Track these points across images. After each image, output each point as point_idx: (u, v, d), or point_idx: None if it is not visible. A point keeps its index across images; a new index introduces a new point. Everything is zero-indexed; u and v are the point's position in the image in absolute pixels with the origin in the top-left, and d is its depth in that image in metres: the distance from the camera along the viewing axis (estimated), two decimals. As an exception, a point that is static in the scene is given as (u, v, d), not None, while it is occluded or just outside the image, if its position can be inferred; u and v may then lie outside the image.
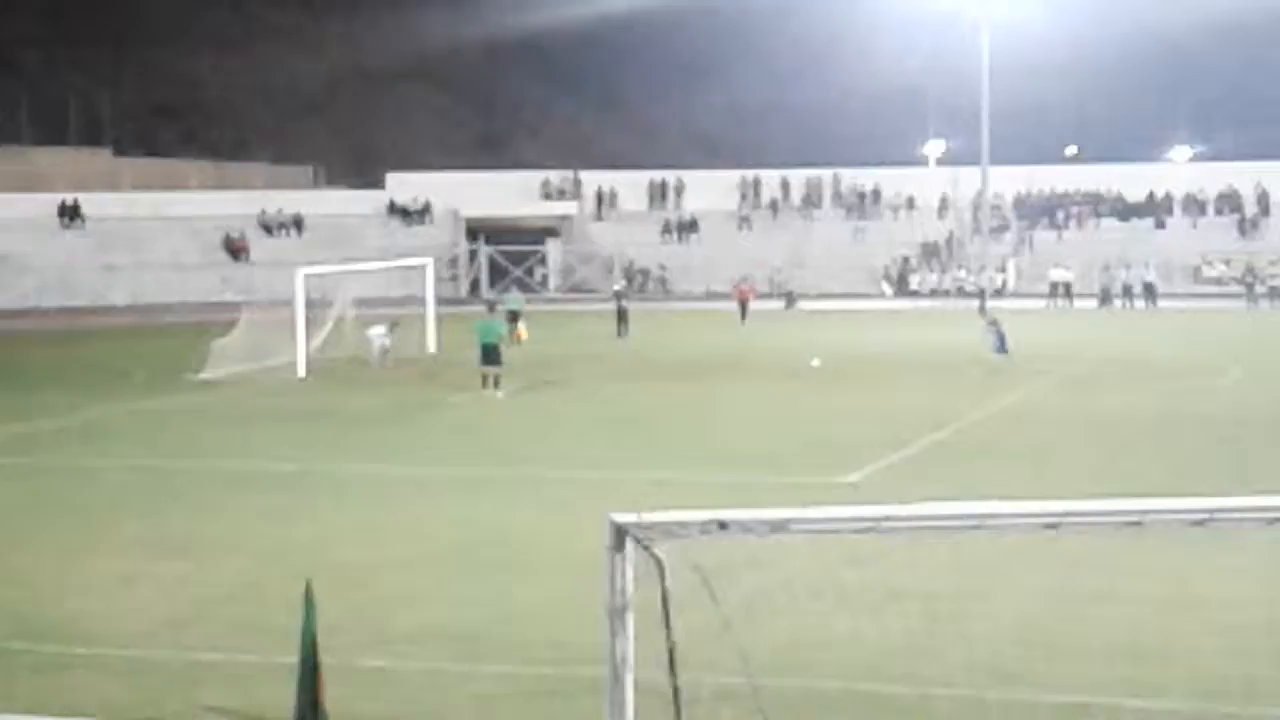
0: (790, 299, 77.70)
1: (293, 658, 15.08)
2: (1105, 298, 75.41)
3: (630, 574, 8.23)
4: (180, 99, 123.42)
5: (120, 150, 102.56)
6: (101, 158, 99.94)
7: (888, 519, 8.06)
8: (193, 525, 24.69)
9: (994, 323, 48.61)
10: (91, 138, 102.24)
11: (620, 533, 8.12)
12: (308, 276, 49.96)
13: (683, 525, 8.15)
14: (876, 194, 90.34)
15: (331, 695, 15.09)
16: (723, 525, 7.97)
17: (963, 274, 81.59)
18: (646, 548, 8.00)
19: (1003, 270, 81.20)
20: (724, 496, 25.37)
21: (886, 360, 49.50)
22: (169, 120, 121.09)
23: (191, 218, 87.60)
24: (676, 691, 8.41)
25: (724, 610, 14.37)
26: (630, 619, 8.28)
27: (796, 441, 32.76)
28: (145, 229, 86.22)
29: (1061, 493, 23.41)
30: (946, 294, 79.69)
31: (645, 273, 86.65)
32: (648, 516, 8.12)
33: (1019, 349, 47.53)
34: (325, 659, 15.21)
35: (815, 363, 46.98)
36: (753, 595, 17.58)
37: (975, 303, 71.80)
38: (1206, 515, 7.97)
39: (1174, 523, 8.22)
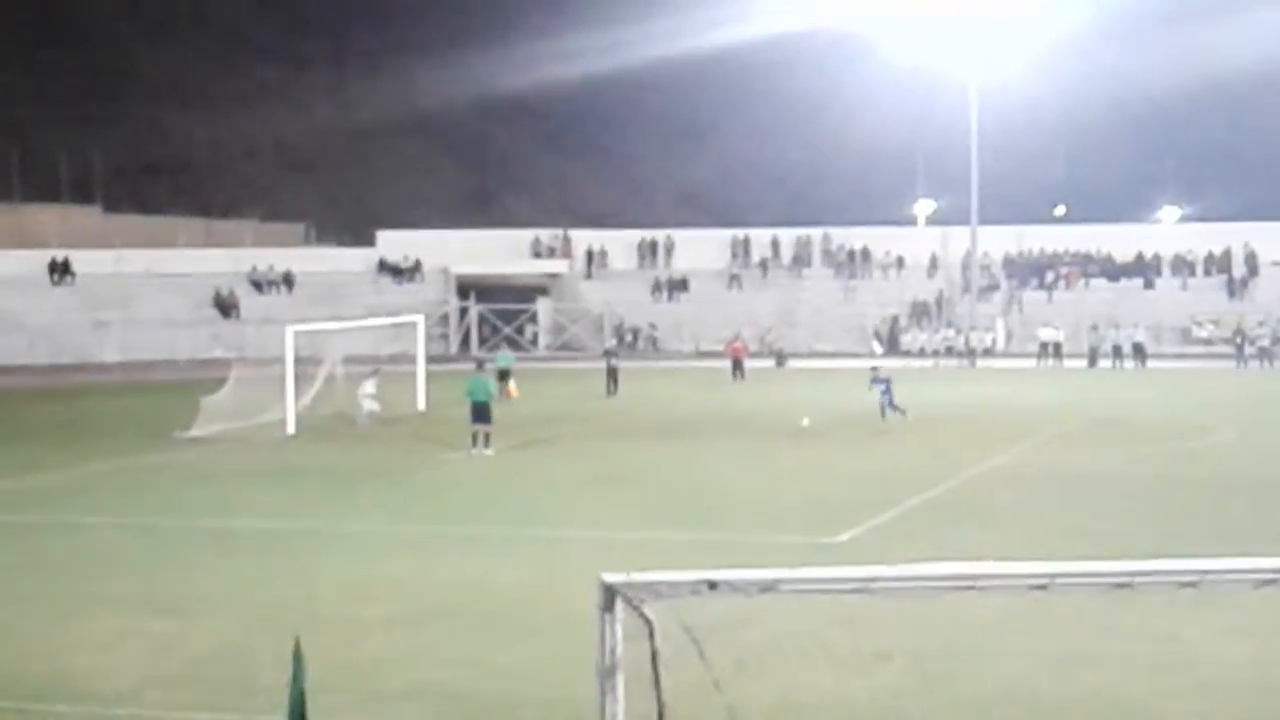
0: (780, 358, 77.78)
1: (281, 717, 15.06)
2: (1094, 358, 75.57)
3: (620, 634, 8.22)
4: (171, 156, 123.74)
5: (111, 207, 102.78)
6: (92, 215, 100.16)
7: (876, 579, 8.07)
8: (181, 583, 24.62)
9: (880, 379, 48.87)
10: (82, 194, 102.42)
11: (610, 593, 8.12)
12: (298, 333, 49.94)
13: (673, 585, 8.16)
14: (866, 253, 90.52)
15: (320, 755, 15.06)
16: (712, 585, 7.98)
17: (951, 333, 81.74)
18: (636, 608, 8.00)
19: (991, 330, 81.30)
20: (714, 556, 25.30)
21: (876, 419, 49.46)
22: (160, 177, 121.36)
23: (182, 275, 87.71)
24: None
25: (714, 670, 14.36)
26: (620, 679, 8.27)
27: (787, 501, 32.74)
28: (136, 286, 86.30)
29: (1050, 553, 23.47)
30: (936, 353, 79.79)
31: (636, 331, 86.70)
32: (638, 576, 8.13)
33: (1007, 409, 47.54)
34: (314, 718, 15.18)
35: (805, 422, 46.98)
36: (743, 654, 17.57)
37: (964, 361, 72.01)
38: (1196, 577, 7.99)
39: (1163, 584, 8.23)
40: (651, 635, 8.03)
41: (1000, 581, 8.25)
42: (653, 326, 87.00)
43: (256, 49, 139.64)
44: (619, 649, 8.21)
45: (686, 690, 10.13)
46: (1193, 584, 7.96)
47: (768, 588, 8.06)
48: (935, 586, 8.43)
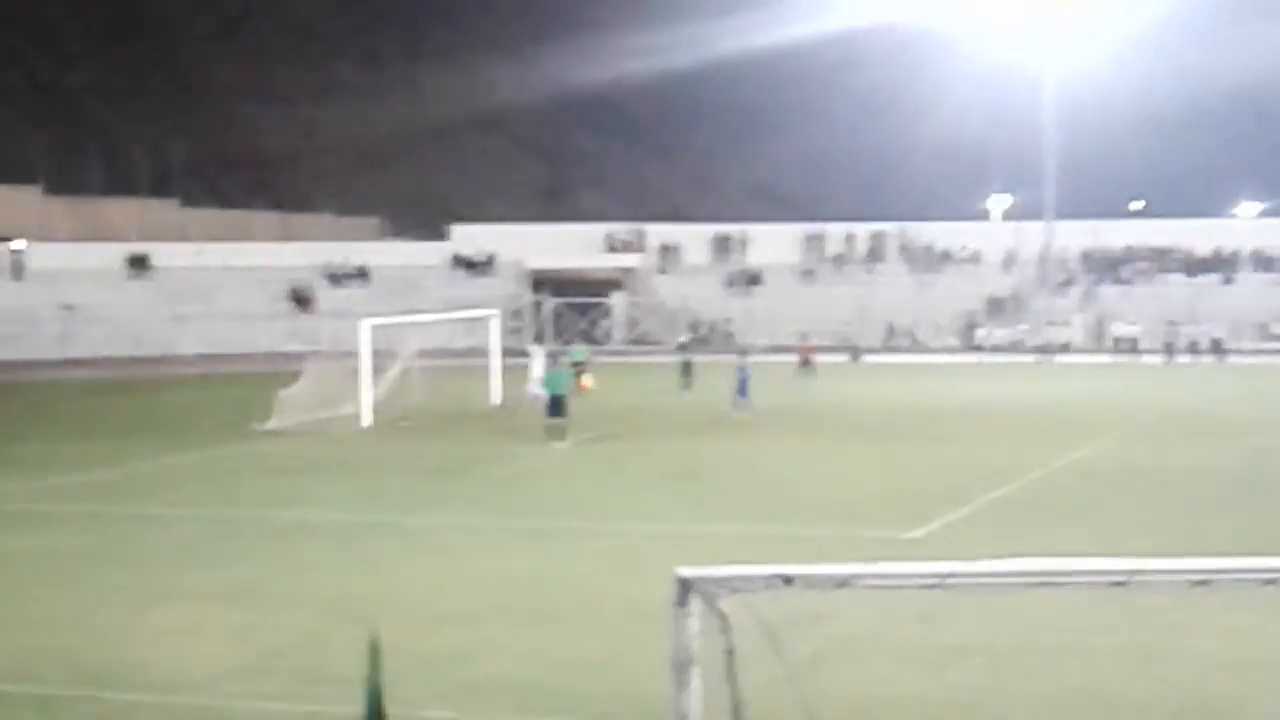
0: (855, 353, 77.56)
1: (358, 708, 15.15)
2: (1170, 353, 75.06)
3: (695, 628, 8.24)
4: (248, 150, 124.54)
5: (189, 201, 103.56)
6: (170, 208, 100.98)
7: (951, 576, 8.05)
8: (258, 574, 24.81)
9: (742, 367, 48.61)
10: (160, 188, 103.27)
11: (686, 587, 8.13)
12: (373, 327, 50.18)
13: (747, 580, 8.16)
14: (940, 249, 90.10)
15: (396, 747, 15.15)
16: (788, 580, 7.98)
17: (1025, 329, 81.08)
18: (711, 602, 8.01)
19: (1068, 325, 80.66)
20: (788, 551, 25.32)
21: (952, 414, 49.29)
22: (236, 171, 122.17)
23: (258, 268, 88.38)
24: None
25: (790, 666, 14.36)
26: (695, 673, 8.28)
27: (861, 496, 32.65)
28: (213, 279, 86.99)
29: (1124, 550, 23.33)
30: (1011, 348, 79.31)
31: (712, 325, 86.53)
32: (713, 571, 8.14)
33: (1084, 404, 47.17)
34: (391, 710, 15.26)
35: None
36: (820, 650, 17.63)
37: (1041, 357, 71.60)
38: (1275, 575, 7.94)
39: (1240, 582, 8.18)
40: (726, 630, 8.04)
41: (1076, 578, 8.21)
42: (728, 321, 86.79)
43: (332, 45, 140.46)
44: (694, 643, 8.22)
45: (762, 686, 10.14)
46: (1273, 581, 7.90)
47: (843, 583, 8.05)
48: (1009, 583, 8.40)
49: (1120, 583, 7.94)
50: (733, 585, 8.14)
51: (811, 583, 8.13)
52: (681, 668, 8.19)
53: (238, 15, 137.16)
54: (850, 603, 10.66)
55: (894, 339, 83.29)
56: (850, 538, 27.16)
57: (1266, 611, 17.44)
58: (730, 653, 8.12)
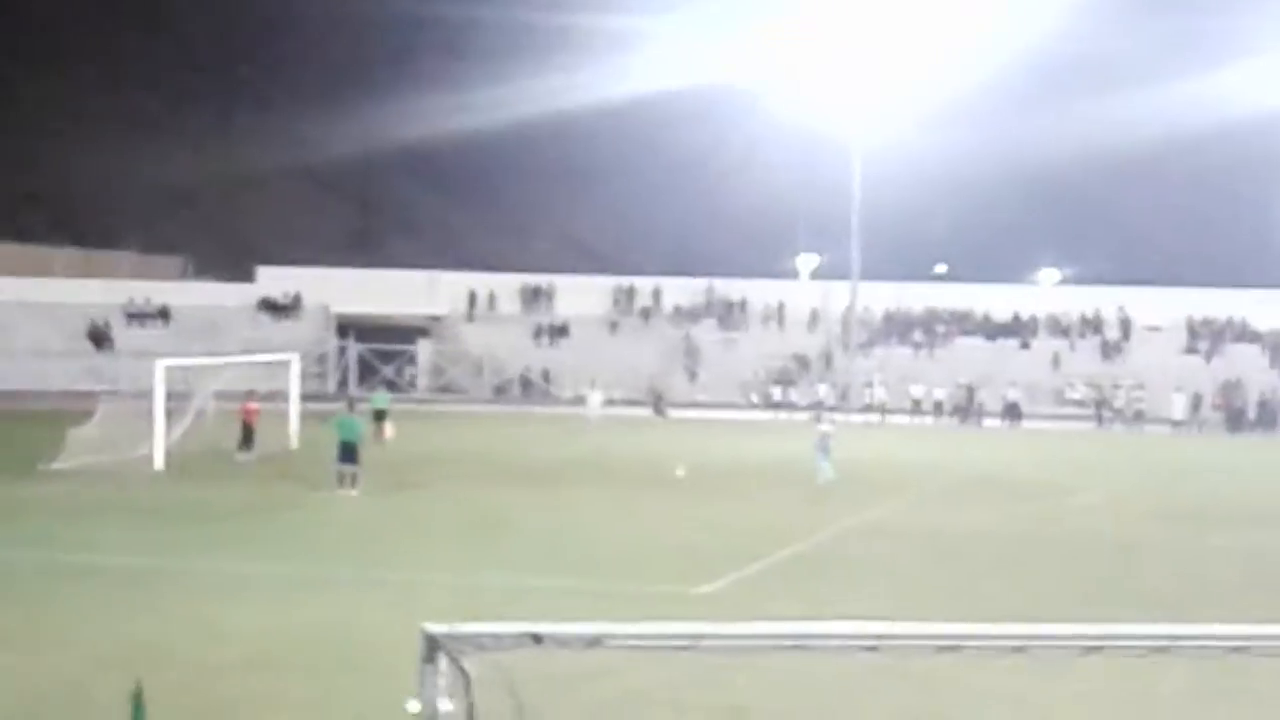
0: (659, 406, 77.86)
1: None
2: (965, 416, 76.44)
3: (442, 686, 8.05)
4: (48, 185, 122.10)
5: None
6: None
7: (702, 637, 7.95)
8: (29, 618, 24.14)
9: (825, 435, 48.23)
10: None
11: (433, 643, 7.94)
12: (171, 368, 49.36)
13: (496, 638, 7.99)
14: (744, 305, 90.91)
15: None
16: (537, 639, 7.82)
17: (824, 388, 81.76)
18: (455, 660, 7.83)
19: (870, 385, 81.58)
20: (574, 604, 25.21)
21: (751, 471, 49.58)
22: (36, 206, 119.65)
23: (56, 305, 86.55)
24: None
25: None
26: (442, 732, 8.10)
27: (655, 550, 32.66)
28: (8, 314, 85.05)
29: (907, 611, 23.49)
30: (814, 407, 80.00)
31: (525, 378, 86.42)
32: (460, 628, 7.96)
33: (880, 465, 47.70)
34: (154, 763, 14.88)
35: (680, 472, 46.93)
36: (597, 708, 17.46)
37: (838, 416, 72.30)
38: (1022, 643, 7.94)
39: (991, 649, 8.17)
40: (468, 689, 7.87)
41: (826, 641, 8.16)
42: (546, 374, 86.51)
43: (141, 80, 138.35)
44: (442, 702, 8.03)
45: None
46: (1020, 649, 7.90)
47: (593, 643, 7.91)
48: (761, 645, 8.33)
49: (871, 648, 7.90)
50: (479, 643, 7.97)
51: (561, 641, 7.98)
52: (428, 726, 8.00)
53: (43, 45, 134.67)
54: (632, 660, 10.53)
55: (698, 393, 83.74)
56: (640, 593, 27.13)
57: (1037, 676, 17.62)
58: (471, 712, 7.94)
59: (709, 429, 68.54)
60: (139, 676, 15.34)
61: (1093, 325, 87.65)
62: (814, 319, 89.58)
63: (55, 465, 45.32)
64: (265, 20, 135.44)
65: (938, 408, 77.78)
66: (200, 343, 76.77)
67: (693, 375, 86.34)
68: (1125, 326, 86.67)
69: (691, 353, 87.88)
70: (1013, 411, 75.89)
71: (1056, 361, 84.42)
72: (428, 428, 63.10)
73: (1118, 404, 77.97)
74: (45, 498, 39.68)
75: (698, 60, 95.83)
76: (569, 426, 67.45)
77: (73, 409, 52.85)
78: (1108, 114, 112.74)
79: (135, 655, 20.84)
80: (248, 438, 49.69)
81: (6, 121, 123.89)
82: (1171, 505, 43.05)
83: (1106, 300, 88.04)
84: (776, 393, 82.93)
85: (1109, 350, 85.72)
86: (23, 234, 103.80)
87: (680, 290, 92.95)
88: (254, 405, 50.61)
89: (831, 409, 77.29)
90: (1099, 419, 76.63)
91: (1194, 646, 8.41)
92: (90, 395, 55.70)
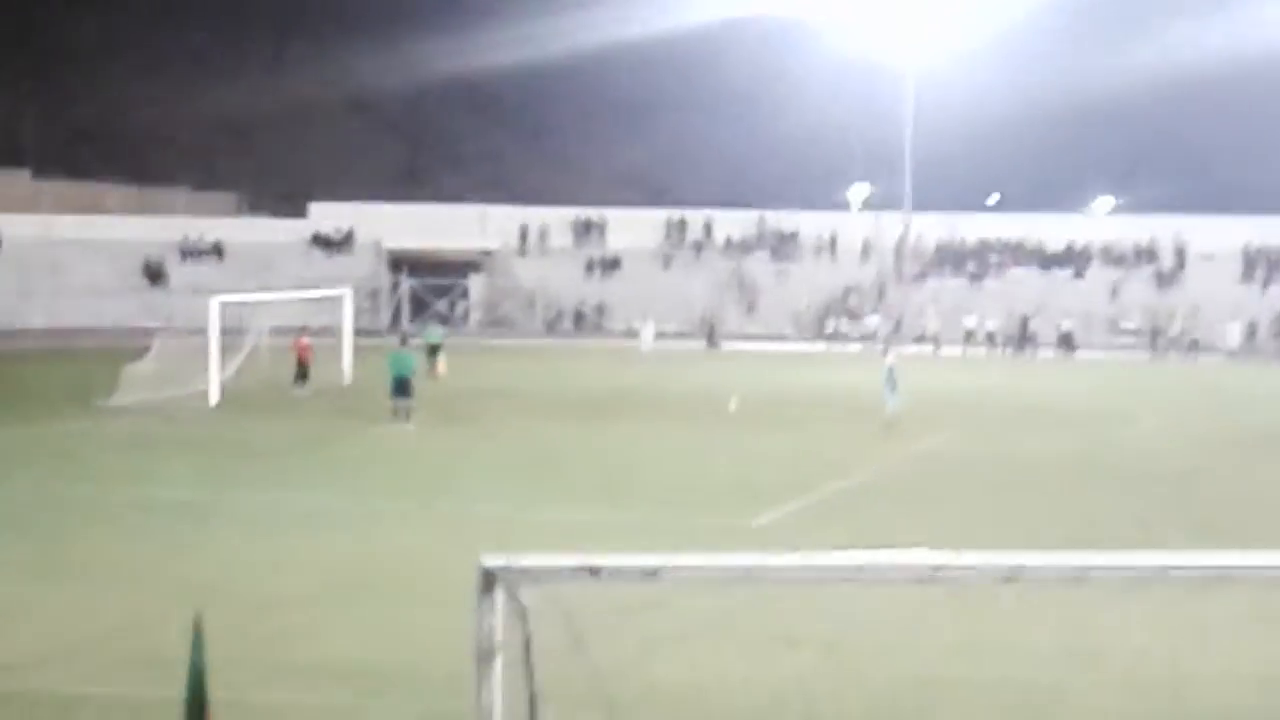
0: (712, 338, 77.83)
1: (183, 692, 14.88)
2: (1020, 346, 76.14)
3: (498, 618, 8.09)
4: (103, 123, 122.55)
5: (40, 173, 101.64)
6: (21, 180, 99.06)
7: (759, 568, 7.96)
8: (90, 552, 24.36)
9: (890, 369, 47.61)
10: (11, 159, 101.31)
11: (489, 576, 7.98)
12: (225, 304, 49.60)
13: (552, 571, 8.02)
14: (797, 237, 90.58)
15: (220, 731, 14.89)
16: (594, 571, 7.84)
17: (877, 319, 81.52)
18: (512, 592, 7.87)
19: (923, 316, 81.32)
20: (630, 537, 25.27)
21: (804, 402, 49.56)
22: (91, 144, 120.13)
23: (111, 242, 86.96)
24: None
25: (619, 652, 14.25)
26: (498, 664, 8.13)
27: (708, 483, 32.67)
28: (64, 252, 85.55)
29: (964, 540, 23.41)
30: (867, 338, 79.86)
31: (579, 311, 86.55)
32: (517, 561, 7.99)
33: (933, 396, 47.57)
34: (219, 693, 14.94)
35: (733, 405, 46.90)
36: (654, 636, 17.54)
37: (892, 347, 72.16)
38: (1079, 573, 7.92)
39: (1048, 578, 8.16)
40: (525, 622, 7.90)
41: (886, 573, 8.16)
42: (599, 309, 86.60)
43: (195, 16, 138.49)
44: (497, 634, 8.07)
45: (581, 677, 10.01)
46: (1077, 578, 7.88)
47: (650, 575, 7.93)
48: (817, 577, 8.34)
49: (927, 578, 7.89)
50: (536, 575, 7.99)
51: (619, 574, 8.00)
52: (484, 658, 8.04)
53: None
54: (689, 591, 10.56)
55: (750, 325, 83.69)
56: (695, 525, 27.15)
57: (1092, 604, 17.60)
58: (529, 644, 7.98)
59: (762, 361, 68.47)
60: (199, 609, 15.41)
61: (1147, 254, 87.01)
62: (866, 250, 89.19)
63: (112, 402, 45.60)
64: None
65: (990, 338, 77.47)
66: (254, 279, 77.03)
67: (750, 307, 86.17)
68: (1180, 255, 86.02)
69: (744, 285, 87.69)
70: (1067, 341, 75.57)
71: (1114, 292, 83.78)
72: (480, 362, 63.27)
73: (1172, 333, 77.46)
74: (103, 434, 40.00)
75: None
76: (622, 360, 67.51)
77: (128, 345, 53.14)
78: (1164, 40, 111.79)
79: (194, 588, 20.97)
80: (302, 373, 49.90)
81: (61, 59, 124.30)
82: (1228, 433, 42.86)
83: (1161, 229, 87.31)
84: (829, 324, 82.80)
85: (1164, 279, 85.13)
86: (77, 171, 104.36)
87: (732, 222, 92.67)
88: (307, 341, 50.80)
89: (887, 340, 77.15)
90: (1154, 348, 76.19)
91: (1251, 574, 8.38)
92: (145, 332, 56.05)
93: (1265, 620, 18.27)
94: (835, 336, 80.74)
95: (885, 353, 48.71)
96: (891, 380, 45.01)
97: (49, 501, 29.22)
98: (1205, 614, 16.68)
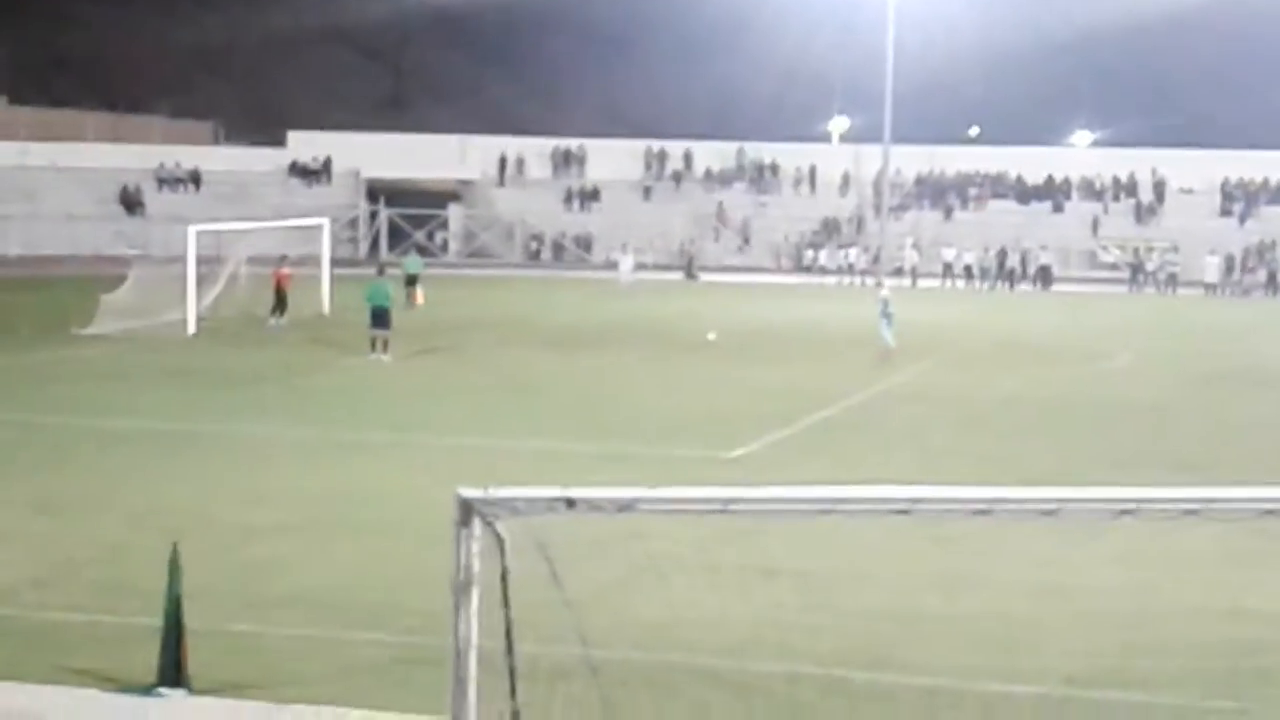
0: (690, 270, 77.78)
1: (159, 620, 14.94)
2: (998, 279, 76.23)
3: (475, 550, 8.11)
4: (79, 49, 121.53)
5: (16, 99, 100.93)
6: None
7: (735, 500, 7.99)
8: (65, 483, 24.36)
9: (885, 301, 47.69)
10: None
11: (467, 507, 7.99)
12: (202, 233, 49.43)
13: (530, 502, 8.04)
14: (776, 169, 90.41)
15: (196, 659, 14.99)
16: (570, 503, 7.87)
17: (855, 251, 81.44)
18: (489, 524, 7.88)
19: (901, 249, 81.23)
20: (605, 468, 25.36)
21: (783, 336, 49.58)
22: (67, 70, 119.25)
23: (87, 169, 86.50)
24: (512, 670, 8.31)
25: (596, 583, 14.30)
26: (475, 595, 8.16)
27: (686, 415, 32.73)
28: (39, 179, 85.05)
29: (936, 474, 23.58)
30: (845, 270, 79.84)
31: (558, 241, 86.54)
32: (494, 492, 8.01)
33: (911, 329, 47.58)
34: (193, 623, 15.06)
35: (711, 336, 46.94)
36: (631, 568, 17.59)
37: (870, 280, 72.29)
38: (1055, 506, 7.96)
39: (1024, 513, 8.19)
40: (502, 552, 7.92)
41: (858, 505, 8.19)
42: (577, 239, 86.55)
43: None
44: (475, 565, 8.09)
45: (554, 605, 10.05)
46: (1051, 513, 7.92)
47: (625, 507, 7.96)
48: (793, 510, 8.37)
49: (903, 511, 7.92)
50: (513, 507, 8.02)
51: (594, 505, 8.02)
52: (462, 589, 8.07)
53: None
54: (665, 522, 10.60)
55: (730, 257, 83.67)
56: (672, 456, 27.27)
57: (1069, 540, 17.69)
58: (505, 576, 8.01)
59: (740, 293, 68.49)
60: (175, 539, 15.47)
61: (1126, 188, 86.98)
62: (845, 183, 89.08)
63: (89, 330, 45.51)
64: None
65: (968, 271, 77.49)
66: (231, 208, 76.74)
67: (741, 242, 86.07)
68: (1159, 189, 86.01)
69: (722, 216, 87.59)
70: (1044, 275, 75.65)
71: (1095, 226, 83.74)
72: (459, 293, 63.19)
73: (1151, 267, 77.57)
74: (79, 362, 39.92)
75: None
76: (601, 291, 67.48)
77: (105, 274, 52.98)
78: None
79: (171, 518, 21.05)
80: (280, 303, 49.77)
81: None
82: (1205, 368, 42.95)
83: (1140, 163, 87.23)
84: (808, 256, 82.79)
85: (1143, 213, 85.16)
86: (54, 98, 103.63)
87: (712, 154, 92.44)
88: (287, 271, 50.64)
89: (863, 272, 77.25)
90: (1132, 282, 76.32)
91: (1226, 509, 8.42)
92: (122, 260, 55.87)
93: (1236, 555, 18.38)
94: (813, 268, 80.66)
95: (879, 285, 48.73)
96: (887, 312, 45.09)
97: (25, 432, 29.17)
98: (1178, 549, 16.76)
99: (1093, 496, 8.06)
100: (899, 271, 77.67)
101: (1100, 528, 17.37)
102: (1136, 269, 77.39)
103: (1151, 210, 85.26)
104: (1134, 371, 42.54)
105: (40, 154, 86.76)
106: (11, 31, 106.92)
